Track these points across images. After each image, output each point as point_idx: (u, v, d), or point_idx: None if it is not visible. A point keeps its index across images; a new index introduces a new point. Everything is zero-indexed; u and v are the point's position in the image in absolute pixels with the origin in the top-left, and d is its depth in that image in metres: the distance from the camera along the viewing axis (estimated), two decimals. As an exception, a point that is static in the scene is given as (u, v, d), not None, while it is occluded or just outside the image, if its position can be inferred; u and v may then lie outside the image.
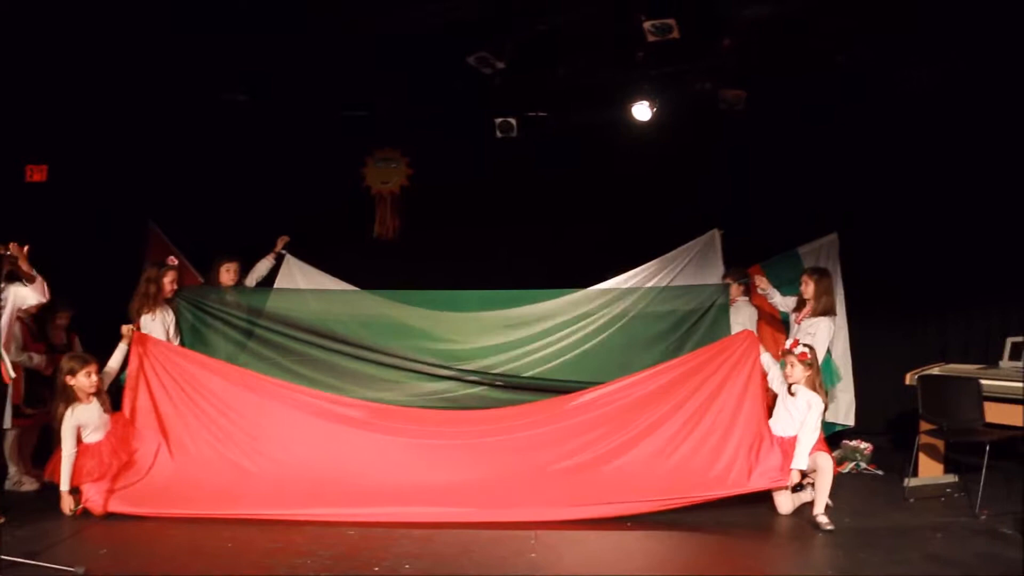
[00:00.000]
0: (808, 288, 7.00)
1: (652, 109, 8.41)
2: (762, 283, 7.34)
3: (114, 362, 6.23)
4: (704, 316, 7.01)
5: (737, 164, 8.85)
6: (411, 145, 9.81)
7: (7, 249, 5.27)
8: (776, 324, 7.95)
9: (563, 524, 5.78)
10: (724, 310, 7.06)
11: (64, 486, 5.87)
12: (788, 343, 6.31)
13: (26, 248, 5.70)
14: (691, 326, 7.03)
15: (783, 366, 6.24)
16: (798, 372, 6.08)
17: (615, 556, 5.28)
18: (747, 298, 7.82)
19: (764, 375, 6.33)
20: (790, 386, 6.14)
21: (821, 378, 6.22)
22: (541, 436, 6.42)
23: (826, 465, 5.89)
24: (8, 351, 6.15)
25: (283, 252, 8.00)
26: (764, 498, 6.14)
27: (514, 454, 6.36)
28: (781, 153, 8.64)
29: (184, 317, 6.92)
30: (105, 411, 6.08)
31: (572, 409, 6.52)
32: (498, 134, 8.92)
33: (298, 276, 7.97)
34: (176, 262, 7.06)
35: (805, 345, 6.17)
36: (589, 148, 9.15)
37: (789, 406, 6.12)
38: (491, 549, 5.30)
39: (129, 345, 6.30)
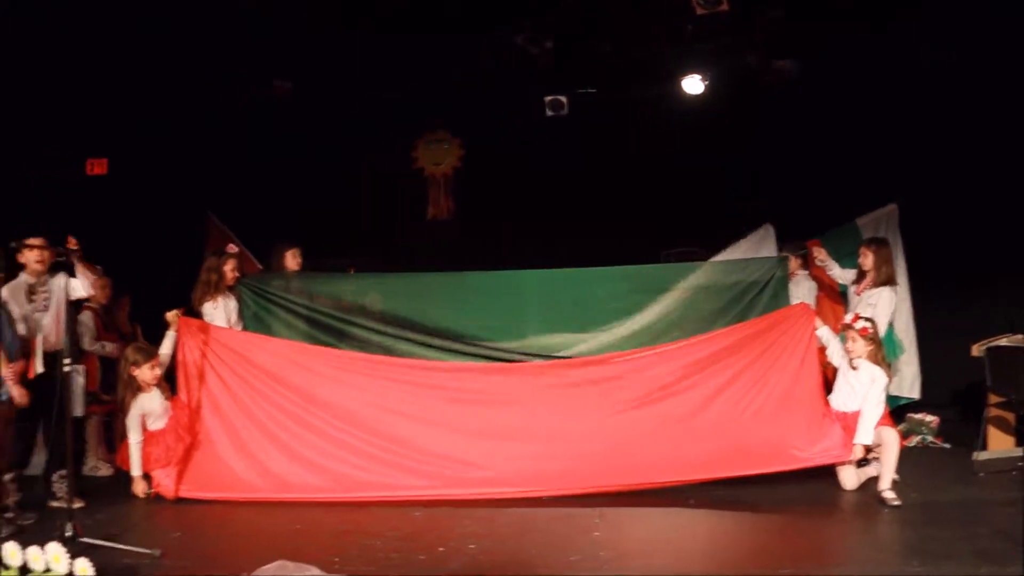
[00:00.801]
0: (867, 259, 6.87)
1: (703, 83, 8.31)
2: (820, 254, 7.21)
3: (166, 349, 6.32)
4: (765, 288, 6.88)
5: (792, 136, 8.70)
6: (462, 126, 9.83)
7: (66, 244, 5.38)
8: (836, 297, 7.83)
9: (628, 500, 5.78)
10: (784, 282, 6.94)
11: (135, 472, 6.05)
12: (848, 317, 6.19)
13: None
14: (752, 298, 6.90)
15: (843, 340, 6.15)
16: (859, 347, 5.98)
17: (678, 534, 5.29)
18: (806, 272, 7.70)
19: (821, 349, 6.24)
20: (851, 361, 6.05)
21: (884, 351, 6.11)
22: (612, 387, 6.35)
23: (891, 439, 5.80)
24: (81, 340, 6.36)
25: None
26: (827, 474, 6.07)
27: (585, 404, 6.31)
28: (837, 123, 8.48)
29: (246, 304, 6.98)
30: (166, 398, 6.22)
31: (640, 363, 6.42)
32: (548, 112, 8.90)
33: None
34: (236, 250, 7.18)
35: (866, 319, 6.06)
36: (640, 124, 9.09)
37: (851, 380, 6.02)
38: (554, 527, 5.34)
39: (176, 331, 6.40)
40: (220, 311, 6.74)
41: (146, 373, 6.08)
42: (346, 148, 9.33)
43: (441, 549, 4.92)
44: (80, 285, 6.07)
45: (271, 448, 6.24)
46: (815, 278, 7.81)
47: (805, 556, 4.76)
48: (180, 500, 6.00)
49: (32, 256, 5.86)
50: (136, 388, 6.09)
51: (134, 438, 6.06)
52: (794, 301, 6.93)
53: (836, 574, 4.42)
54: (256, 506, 5.84)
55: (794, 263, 7.45)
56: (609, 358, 6.49)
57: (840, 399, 6.08)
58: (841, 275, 7.24)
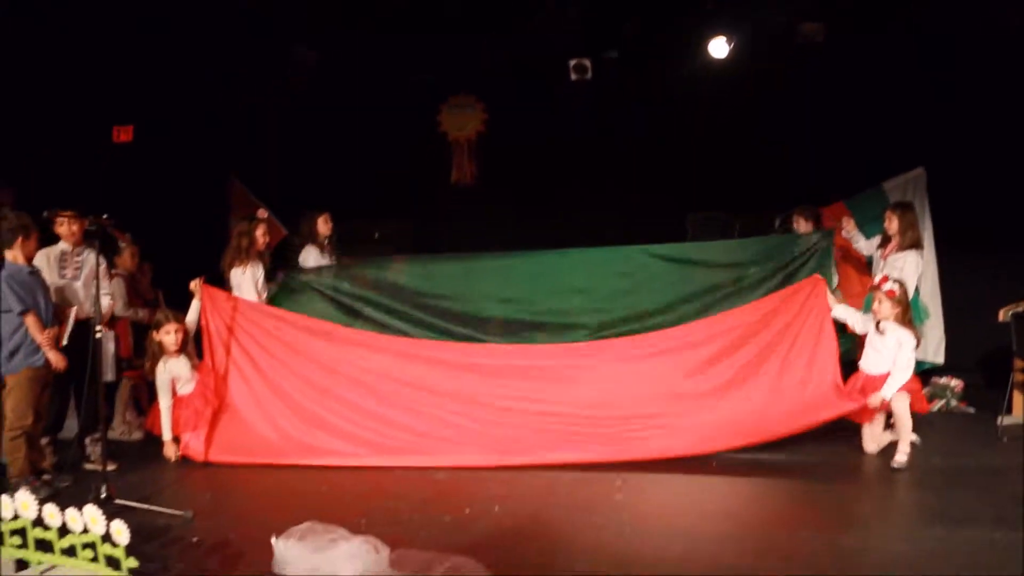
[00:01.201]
0: (892, 223, 6.82)
1: (729, 45, 8.23)
2: (848, 225, 7.16)
3: (191, 316, 6.43)
4: (808, 261, 6.88)
5: (818, 99, 8.60)
6: (486, 90, 9.79)
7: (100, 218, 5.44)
8: (857, 261, 7.77)
9: (650, 465, 5.82)
10: (828, 254, 6.91)
11: (166, 435, 6.17)
12: (877, 279, 6.18)
13: None
14: (793, 272, 6.89)
15: (870, 302, 6.13)
16: (886, 308, 5.95)
17: (699, 497, 5.33)
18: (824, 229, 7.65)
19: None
20: (878, 323, 6.02)
21: (911, 314, 6.08)
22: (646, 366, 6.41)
23: (901, 407, 5.81)
24: (114, 307, 6.49)
25: None
26: (849, 438, 6.11)
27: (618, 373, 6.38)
28: (864, 85, 8.37)
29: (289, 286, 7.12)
30: (193, 365, 6.34)
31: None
32: (572, 76, 8.85)
33: None
34: (266, 215, 7.26)
35: (895, 281, 6.02)
36: (664, 88, 9.02)
37: (878, 344, 6.00)
38: (577, 490, 5.40)
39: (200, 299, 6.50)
40: (248, 277, 6.82)
41: (169, 338, 6.19)
42: (370, 113, 9.32)
43: (466, 511, 5.00)
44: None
45: (294, 414, 6.36)
46: (840, 245, 7.77)
47: (825, 520, 4.80)
48: (208, 464, 6.12)
49: (64, 227, 6.05)
50: (162, 353, 6.21)
51: (164, 402, 6.19)
52: None
53: (857, 538, 4.44)
54: (283, 470, 5.95)
55: (805, 225, 7.46)
56: (643, 339, 6.53)
57: (868, 363, 6.07)
58: (866, 246, 7.19)
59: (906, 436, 5.81)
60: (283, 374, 6.45)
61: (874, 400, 5.82)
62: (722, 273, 7.02)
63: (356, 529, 4.21)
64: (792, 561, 4.14)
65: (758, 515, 4.97)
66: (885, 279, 6.05)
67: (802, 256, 6.90)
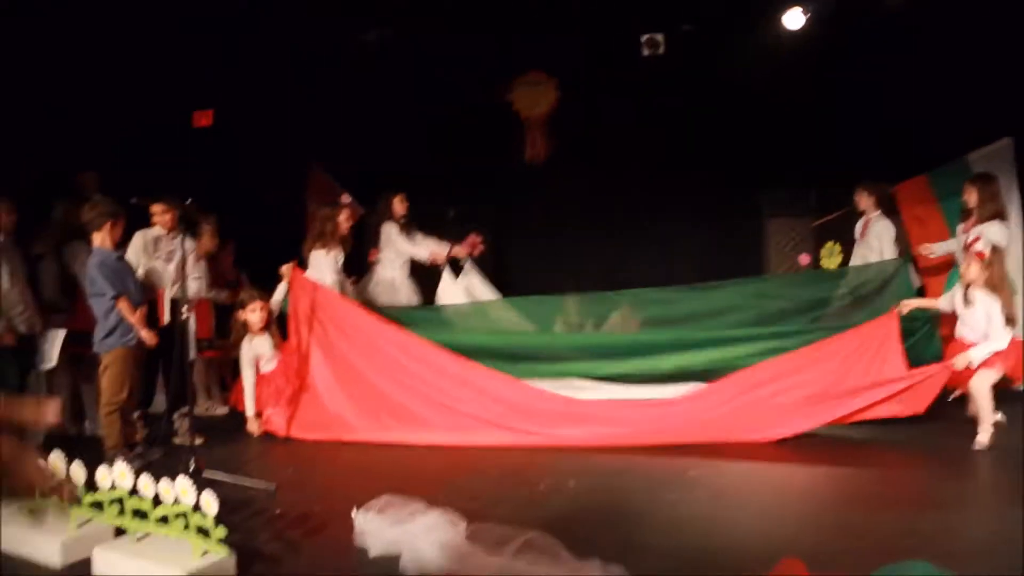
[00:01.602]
0: (972, 196, 6.65)
1: (805, 15, 8.07)
2: (926, 250, 7.09)
3: (277, 297, 6.64)
4: (884, 290, 6.81)
5: (898, 69, 8.36)
6: (558, 67, 9.77)
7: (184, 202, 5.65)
8: (926, 231, 7.59)
9: (723, 446, 5.80)
10: (904, 283, 6.86)
11: (249, 411, 6.38)
12: (969, 238, 5.98)
13: None
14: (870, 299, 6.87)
15: (954, 278, 5.98)
16: (974, 271, 5.76)
17: (776, 477, 5.32)
18: (879, 211, 7.49)
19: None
20: (967, 292, 5.83)
21: (1004, 278, 5.85)
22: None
23: (979, 386, 5.66)
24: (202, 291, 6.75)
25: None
26: (930, 418, 5.97)
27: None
28: (946, 54, 8.09)
29: None
30: (275, 344, 6.52)
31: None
32: (645, 52, 8.78)
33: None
34: (349, 200, 7.41)
35: (988, 242, 5.84)
36: (739, 61, 8.87)
37: (968, 319, 5.83)
38: (652, 467, 5.42)
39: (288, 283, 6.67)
40: (330, 259, 6.98)
41: (254, 316, 6.39)
42: (443, 93, 9.38)
43: (541, 486, 5.07)
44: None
45: (369, 395, 6.46)
46: (917, 219, 7.62)
47: (905, 502, 4.73)
48: (290, 439, 6.32)
49: (159, 216, 6.37)
50: (247, 331, 6.41)
51: (248, 379, 6.40)
52: (871, 240, 7.13)
53: (936, 520, 4.38)
54: (363, 446, 6.10)
55: (866, 202, 7.37)
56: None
57: (962, 332, 5.92)
58: (945, 247, 7.06)
59: (987, 416, 5.66)
60: (360, 357, 6.56)
61: (959, 362, 5.63)
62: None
63: (434, 503, 4.30)
64: (870, 542, 4.10)
65: (835, 496, 4.93)
66: (977, 239, 5.88)
67: (876, 282, 6.88)
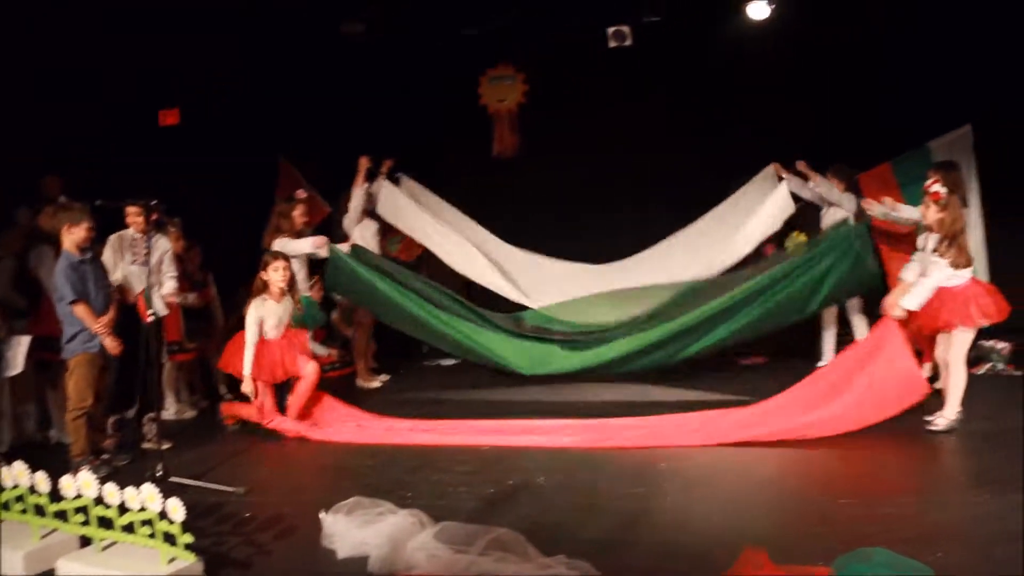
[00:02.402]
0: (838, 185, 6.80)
1: (770, 6, 8.12)
2: (888, 204, 7.08)
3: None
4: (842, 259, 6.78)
5: (860, 59, 8.44)
6: (526, 61, 9.76)
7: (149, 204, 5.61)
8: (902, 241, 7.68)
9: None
10: (867, 248, 6.84)
11: (246, 371, 6.31)
12: (927, 183, 6.01)
13: None
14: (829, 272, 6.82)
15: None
16: (932, 213, 5.77)
17: (742, 466, 5.37)
18: (851, 193, 7.55)
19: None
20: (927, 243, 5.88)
21: (960, 220, 5.82)
22: None
23: (956, 357, 5.74)
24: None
25: (397, 176, 8.21)
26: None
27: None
28: (908, 44, 8.18)
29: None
30: (286, 316, 6.51)
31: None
32: (611, 44, 8.78)
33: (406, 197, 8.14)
34: (305, 195, 7.37)
35: (943, 187, 5.84)
36: (705, 52, 8.92)
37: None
38: (621, 462, 5.46)
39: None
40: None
41: (276, 275, 6.36)
42: (411, 88, 9.36)
43: (510, 482, 5.10)
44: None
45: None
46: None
47: (868, 487, 4.80)
48: (260, 442, 6.29)
49: (131, 219, 6.38)
50: (261, 291, 6.38)
51: (250, 337, 6.31)
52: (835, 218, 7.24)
53: (898, 505, 4.45)
54: (330, 446, 6.11)
55: (839, 185, 7.44)
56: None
57: None
58: (910, 211, 7.08)
59: (957, 392, 5.73)
60: None
61: (890, 305, 5.67)
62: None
63: (403, 503, 4.33)
64: (833, 527, 4.17)
65: (800, 483, 4.99)
66: (935, 181, 5.91)
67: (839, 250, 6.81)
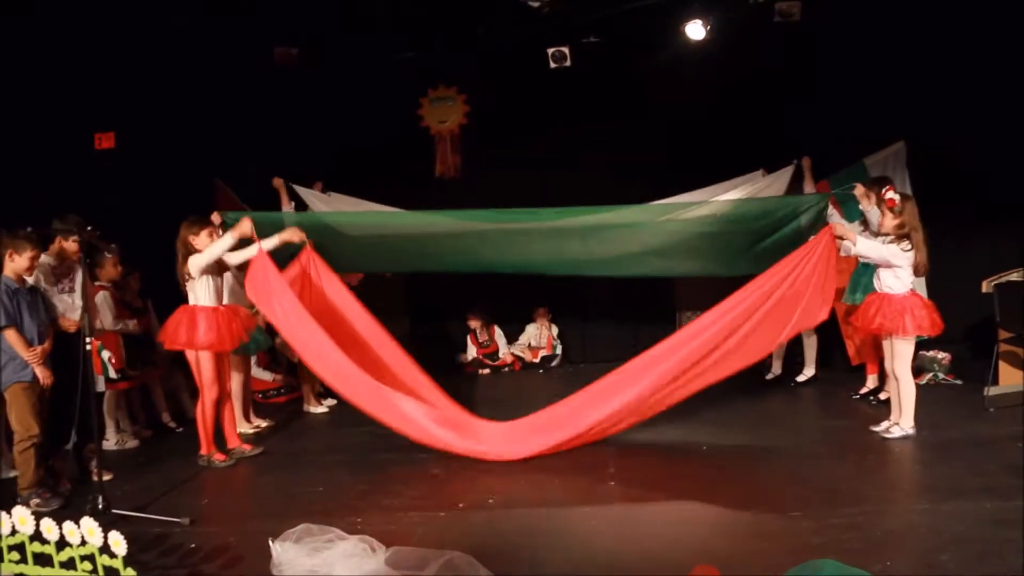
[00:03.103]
0: (867, 201, 6.90)
1: (706, 28, 8.25)
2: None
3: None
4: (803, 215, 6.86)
5: (796, 77, 8.61)
6: (466, 82, 9.79)
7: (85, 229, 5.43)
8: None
9: (641, 448, 5.93)
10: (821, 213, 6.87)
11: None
12: (881, 192, 6.13)
13: None
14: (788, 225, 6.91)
15: (856, 277, 6.27)
16: (888, 221, 5.95)
17: (691, 476, 5.45)
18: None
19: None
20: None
21: (918, 227, 5.95)
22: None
23: (900, 369, 5.92)
24: (104, 320, 6.60)
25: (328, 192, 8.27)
26: (841, 415, 6.17)
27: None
28: (842, 62, 8.39)
29: None
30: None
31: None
32: (552, 64, 8.85)
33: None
34: (219, 220, 7.05)
35: (899, 193, 6.03)
36: (644, 72, 9.03)
37: (883, 276, 6.01)
38: (570, 480, 5.47)
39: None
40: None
41: (204, 241, 6.15)
42: (351, 110, 9.32)
43: (461, 505, 5.07)
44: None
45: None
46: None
47: (815, 497, 4.86)
48: (208, 469, 6.13)
49: (64, 245, 6.09)
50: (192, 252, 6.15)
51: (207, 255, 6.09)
52: None
53: (846, 516, 4.50)
54: (281, 470, 6.01)
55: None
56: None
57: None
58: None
59: (909, 401, 5.92)
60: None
61: (841, 228, 5.95)
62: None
63: (352, 529, 4.26)
64: (782, 541, 4.21)
65: (749, 498, 5.00)
66: (891, 188, 6.05)
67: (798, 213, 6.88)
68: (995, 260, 7.63)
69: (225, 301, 6.44)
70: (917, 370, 7.31)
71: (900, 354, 5.92)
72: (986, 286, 7.01)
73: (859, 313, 6.11)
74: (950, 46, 7.97)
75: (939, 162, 8.00)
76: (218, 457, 6.23)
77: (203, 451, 6.23)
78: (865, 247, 5.92)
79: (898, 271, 5.90)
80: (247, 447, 6.48)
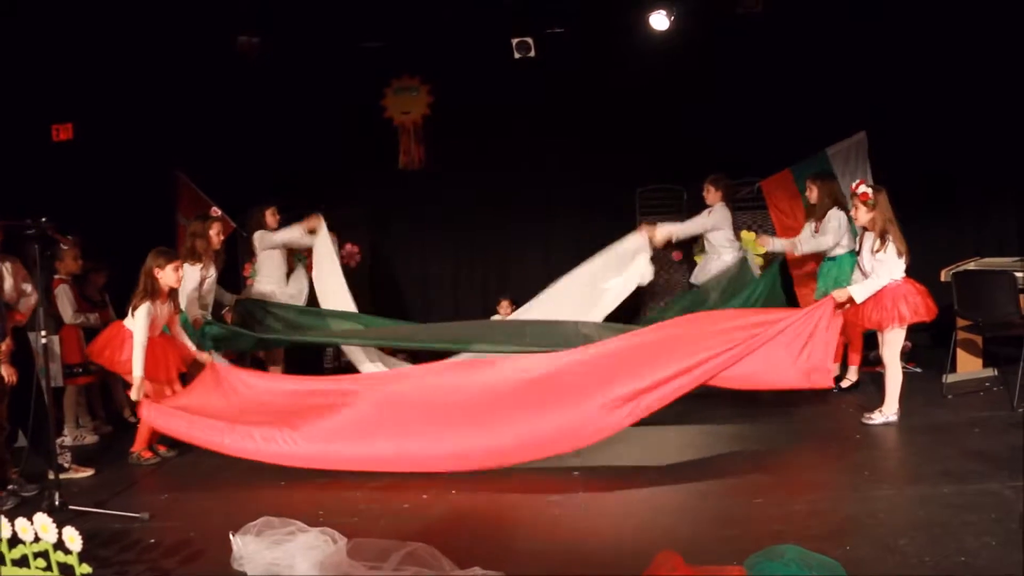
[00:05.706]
0: (812, 193, 7.07)
1: (670, 18, 8.26)
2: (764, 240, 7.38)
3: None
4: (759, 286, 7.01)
5: (760, 68, 8.65)
6: (430, 72, 9.72)
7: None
8: (790, 223, 7.95)
9: (606, 441, 5.78)
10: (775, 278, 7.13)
11: (137, 372, 5.79)
12: (853, 184, 6.18)
13: None
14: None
15: (824, 270, 6.43)
16: (863, 214, 5.98)
17: (656, 470, 5.40)
18: (723, 203, 7.63)
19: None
20: (862, 240, 6.13)
21: (892, 219, 5.98)
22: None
23: (890, 357, 5.98)
24: (64, 314, 6.53)
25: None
26: (802, 402, 6.21)
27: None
28: (805, 54, 8.43)
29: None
30: (169, 315, 6.16)
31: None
32: (516, 55, 8.82)
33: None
34: (219, 212, 7.13)
35: (870, 186, 6.04)
36: (608, 62, 9.02)
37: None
38: (533, 470, 5.40)
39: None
40: (195, 272, 6.71)
41: (170, 276, 5.99)
42: (314, 101, 9.22)
43: (424, 496, 5.04)
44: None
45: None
46: (781, 211, 7.95)
47: (777, 486, 4.91)
48: (168, 464, 6.07)
49: None
50: (154, 293, 5.94)
51: (140, 339, 5.82)
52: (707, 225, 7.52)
53: (808, 502, 4.55)
54: (242, 464, 5.87)
55: (713, 196, 7.57)
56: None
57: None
58: (782, 245, 7.36)
59: (895, 388, 6.00)
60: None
61: (840, 294, 5.71)
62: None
63: (314, 521, 4.24)
64: (745, 527, 4.25)
65: (713, 485, 5.03)
66: (862, 182, 6.09)
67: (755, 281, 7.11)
68: (953, 249, 7.75)
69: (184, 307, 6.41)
70: (876, 360, 7.40)
71: (890, 341, 5.96)
72: (944, 275, 7.09)
73: (854, 309, 5.96)
74: (912, 38, 8.06)
75: (899, 153, 8.08)
76: (145, 455, 6.14)
77: (134, 448, 6.15)
78: (869, 289, 5.83)
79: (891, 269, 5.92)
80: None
